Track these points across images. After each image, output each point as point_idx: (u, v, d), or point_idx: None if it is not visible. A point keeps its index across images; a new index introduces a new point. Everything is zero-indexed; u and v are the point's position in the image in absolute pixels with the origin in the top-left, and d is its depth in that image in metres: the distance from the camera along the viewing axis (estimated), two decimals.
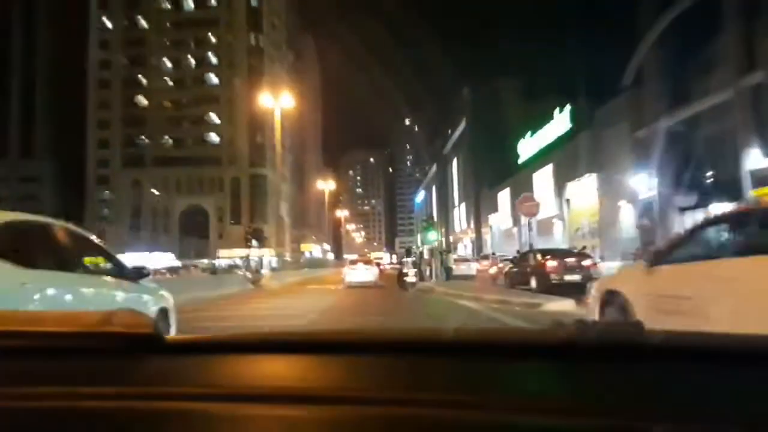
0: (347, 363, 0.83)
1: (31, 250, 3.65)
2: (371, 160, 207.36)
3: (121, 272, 4.52)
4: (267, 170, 67.84)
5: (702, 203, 23.14)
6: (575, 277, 14.39)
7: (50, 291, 3.56)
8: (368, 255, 53.38)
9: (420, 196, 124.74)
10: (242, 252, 38.75)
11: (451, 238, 70.94)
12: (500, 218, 52.29)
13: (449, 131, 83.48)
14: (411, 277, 18.15)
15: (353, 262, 24.19)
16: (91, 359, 0.83)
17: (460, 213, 73.26)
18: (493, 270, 21.70)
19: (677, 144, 24.23)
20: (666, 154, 24.33)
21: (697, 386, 0.66)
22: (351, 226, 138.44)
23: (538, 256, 15.52)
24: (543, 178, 38.79)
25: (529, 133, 43.65)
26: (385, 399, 0.67)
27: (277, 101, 25.97)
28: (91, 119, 71.66)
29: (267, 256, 52.18)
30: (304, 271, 50.85)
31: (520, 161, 45.13)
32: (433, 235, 25.41)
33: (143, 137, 72.06)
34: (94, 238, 4.61)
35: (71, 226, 4.25)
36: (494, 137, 52.69)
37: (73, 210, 69.25)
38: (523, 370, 0.77)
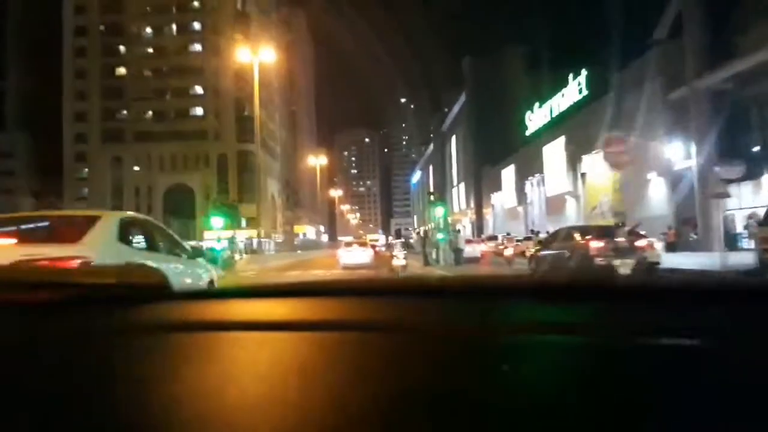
0: (346, 303, 0.91)
1: (134, 237, 5.19)
2: (366, 140, 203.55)
3: (184, 252, 5.94)
4: (256, 146, 64.09)
5: (751, 174, 19.96)
6: (627, 261, 11.28)
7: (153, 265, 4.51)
8: (363, 237, 50.66)
9: (416, 177, 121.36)
10: (228, 233, 35.54)
11: (450, 219, 67.90)
12: (504, 197, 49.16)
13: (446, 109, 79.87)
14: (400, 260, 16.95)
15: (348, 244, 24.58)
16: (110, 306, 0.90)
17: (459, 193, 70.05)
18: (508, 251, 18.63)
19: (721, 105, 20.92)
20: (707, 118, 21.05)
21: (653, 316, 0.72)
22: (346, 207, 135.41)
23: (576, 235, 12.34)
24: (554, 152, 35.55)
25: (537, 103, 40.24)
26: (381, 326, 0.74)
27: (257, 56, 22.37)
28: (67, 90, 67.42)
29: (255, 237, 49.05)
30: (295, 253, 48.19)
31: (527, 134, 41.76)
32: (441, 211, 22.61)
33: (123, 110, 68.09)
34: (165, 227, 6.16)
35: (152, 219, 6.22)
36: (497, 110, 49.40)
37: (50, 188, 65.45)
38: (505, 306, 0.84)
